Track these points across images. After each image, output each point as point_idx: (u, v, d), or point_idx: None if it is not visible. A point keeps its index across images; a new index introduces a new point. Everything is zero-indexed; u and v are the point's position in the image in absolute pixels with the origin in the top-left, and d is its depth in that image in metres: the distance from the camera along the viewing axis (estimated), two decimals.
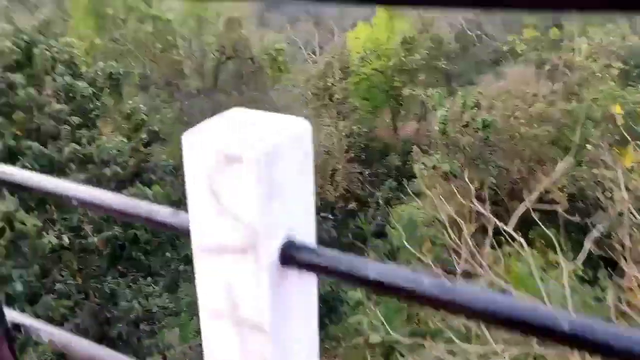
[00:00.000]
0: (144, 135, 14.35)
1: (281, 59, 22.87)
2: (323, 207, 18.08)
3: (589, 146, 14.76)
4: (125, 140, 13.47)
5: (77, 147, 12.27)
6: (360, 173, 19.86)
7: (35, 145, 12.11)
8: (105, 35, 20.66)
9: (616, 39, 16.95)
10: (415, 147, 16.97)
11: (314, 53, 28.14)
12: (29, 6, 22.36)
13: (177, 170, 14.77)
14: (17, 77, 13.32)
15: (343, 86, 20.22)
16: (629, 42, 17.59)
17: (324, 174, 19.27)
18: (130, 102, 14.97)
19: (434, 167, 15.66)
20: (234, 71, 21.77)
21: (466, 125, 16.11)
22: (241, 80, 21.36)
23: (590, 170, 14.32)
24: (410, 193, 15.39)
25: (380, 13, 23.05)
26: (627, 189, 9.97)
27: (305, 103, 20.56)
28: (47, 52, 13.84)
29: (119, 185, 12.11)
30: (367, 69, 21.93)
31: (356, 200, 19.31)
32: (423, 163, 15.77)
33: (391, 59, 21.69)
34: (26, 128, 13.31)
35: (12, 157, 11.95)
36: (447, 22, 24.33)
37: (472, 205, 11.14)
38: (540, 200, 15.50)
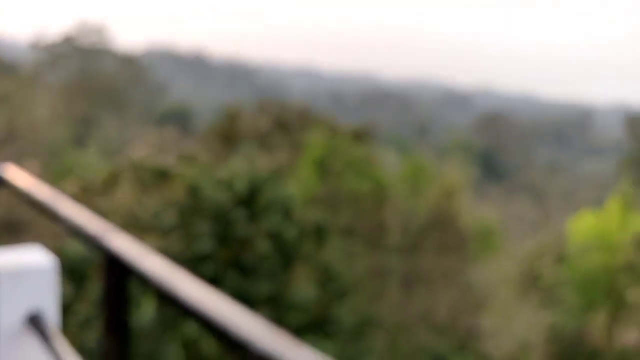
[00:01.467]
0: (334, 287, 14.92)
1: (488, 234, 22.62)
2: None
3: None
4: (315, 288, 14.12)
5: (271, 287, 13.15)
6: None
7: (236, 277, 13.25)
8: (325, 185, 22.38)
9: None
10: None
11: (526, 231, 27.36)
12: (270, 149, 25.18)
13: (357, 327, 14.95)
14: (241, 213, 14.89)
15: (554, 274, 19.21)
16: None
17: None
18: (329, 252, 15.80)
19: None
20: (437, 238, 21.96)
21: None
22: (444, 248, 21.44)
23: None
24: None
25: (614, 202, 21.80)
26: None
27: (508, 283, 19.82)
28: (270, 195, 15.37)
29: (297, 331, 12.59)
30: (586, 260, 20.59)
31: None
32: None
33: (617, 255, 20.16)
34: (234, 259, 14.65)
35: (211, 283, 13.13)
36: None
37: None
38: None
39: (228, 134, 22.14)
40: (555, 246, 18.98)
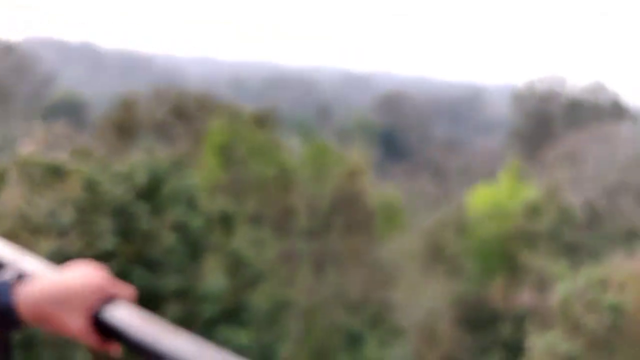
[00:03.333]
0: (245, 275, 14.71)
1: (393, 212, 23.10)
2: None
3: None
4: (226, 278, 13.86)
5: (180, 280, 12.77)
6: (465, 338, 18.98)
7: (142, 273, 12.75)
8: (230, 172, 22.00)
9: None
10: (529, 320, 16.16)
11: (429, 207, 28.23)
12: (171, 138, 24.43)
13: (271, 312, 14.83)
14: (143, 207, 14.31)
15: (456, 244, 19.95)
16: None
17: (424, 335, 18.56)
18: (238, 240, 15.56)
19: (550, 346, 14.64)
20: (344, 219, 22.21)
21: (591, 305, 15.06)
22: (351, 228, 21.70)
23: None
24: None
25: (505, 174, 22.88)
26: None
27: (415, 257, 20.42)
28: (172, 186, 14.88)
29: (210, 323, 12.31)
30: (483, 229, 21.62)
31: None
32: (537, 339, 14.80)
33: (511, 223, 21.28)
34: (139, 254, 14.11)
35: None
36: (575, 191, 23.69)
37: None
38: None
39: (124, 125, 21.26)
40: (456, 218, 19.74)
